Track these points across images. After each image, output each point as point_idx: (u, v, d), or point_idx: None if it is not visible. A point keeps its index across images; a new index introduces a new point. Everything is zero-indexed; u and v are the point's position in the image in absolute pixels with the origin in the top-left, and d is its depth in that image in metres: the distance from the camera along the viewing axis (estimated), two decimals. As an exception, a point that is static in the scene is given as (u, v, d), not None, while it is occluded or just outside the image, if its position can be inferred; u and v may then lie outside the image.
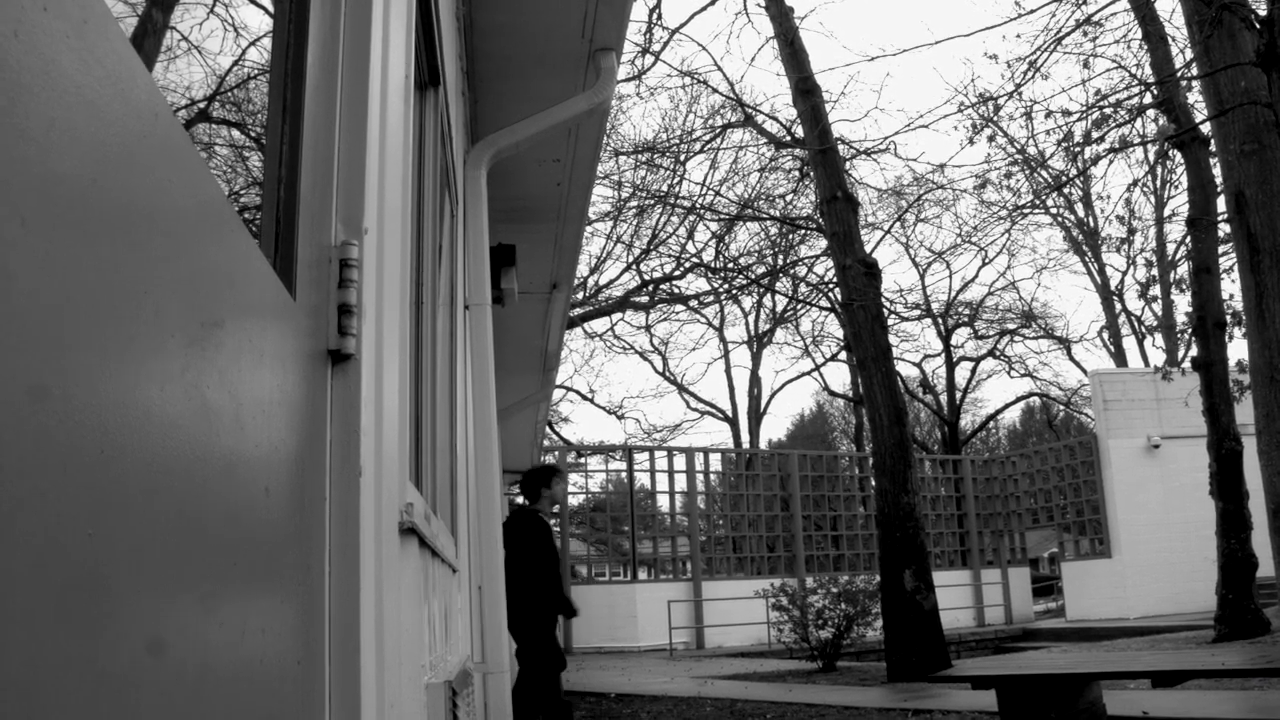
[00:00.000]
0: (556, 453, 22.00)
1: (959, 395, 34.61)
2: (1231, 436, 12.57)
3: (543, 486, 7.14)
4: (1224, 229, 12.21)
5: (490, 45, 4.58)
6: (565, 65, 4.74)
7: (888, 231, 29.62)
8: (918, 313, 32.57)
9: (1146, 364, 27.44)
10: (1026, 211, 27.59)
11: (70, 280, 0.60)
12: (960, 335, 33.95)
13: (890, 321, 23.72)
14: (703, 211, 24.69)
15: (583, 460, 24.93)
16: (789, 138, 21.19)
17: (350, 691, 1.31)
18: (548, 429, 25.24)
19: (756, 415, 33.97)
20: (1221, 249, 13.09)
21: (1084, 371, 32.90)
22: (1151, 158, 22.92)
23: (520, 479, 7.42)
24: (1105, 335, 33.20)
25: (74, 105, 0.61)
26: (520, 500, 7.44)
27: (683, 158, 23.49)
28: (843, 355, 32.17)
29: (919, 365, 34.67)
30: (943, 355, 33.90)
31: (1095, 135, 11.61)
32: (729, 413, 34.33)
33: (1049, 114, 11.74)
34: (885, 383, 11.46)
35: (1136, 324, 32.62)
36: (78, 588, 0.60)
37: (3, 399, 0.52)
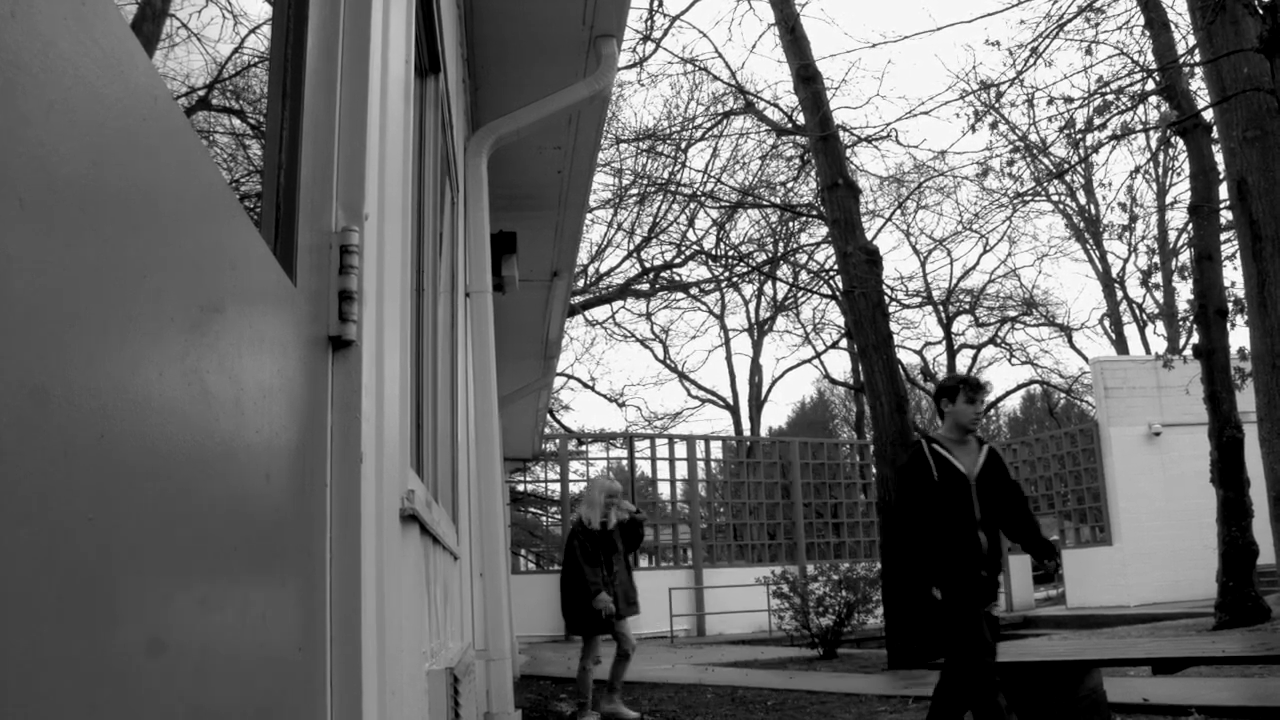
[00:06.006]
0: (558, 440, 22.01)
1: (960, 383, 34.52)
2: (1233, 424, 12.56)
3: (946, 400, 5.22)
4: (1226, 216, 12.19)
5: (491, 32, 4.57)
6: (566, 52, 4.72)
7: (889, 219, 29.59)
8: (919, 300, 32.53)
9: (1148, 351, 27.40)
10: (1028, 199, 27.55)
11: (69, 262, 0.60)
12: (961, 323, 33.93)
13: (891, 309, 23.72)
14: (704, 199, 24.65)
15: (584, 448, 24.94)
16: (790, 125, 21.16)
17: (352, 678, 1.31)
18: (549, 416, 25.26)
19: (757, 403, 33.96)
20: (1223, 236, 13.06)
21: (1085, 359, 32.89)
22: (1153, 145, 22.86)
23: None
24: (1106, 322, 33.21)
25: (72, 87, 0.61)
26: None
27: (684, 145, 23.46)
28: (844, 343, 32.14)
29: (920, 353, 34.68)
30: (944, 343, 33.87)
31: (1097, 122, 11.58)
32: (730, 400, 34.33)
33: (1051, 101, 11.68)
34: (886, 370, 11.45)
35: (1138, 311, 32.63)
36: (78, 574, 0.60)
37: (2, 384, 0.52)
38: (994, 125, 13.71)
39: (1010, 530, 5.06)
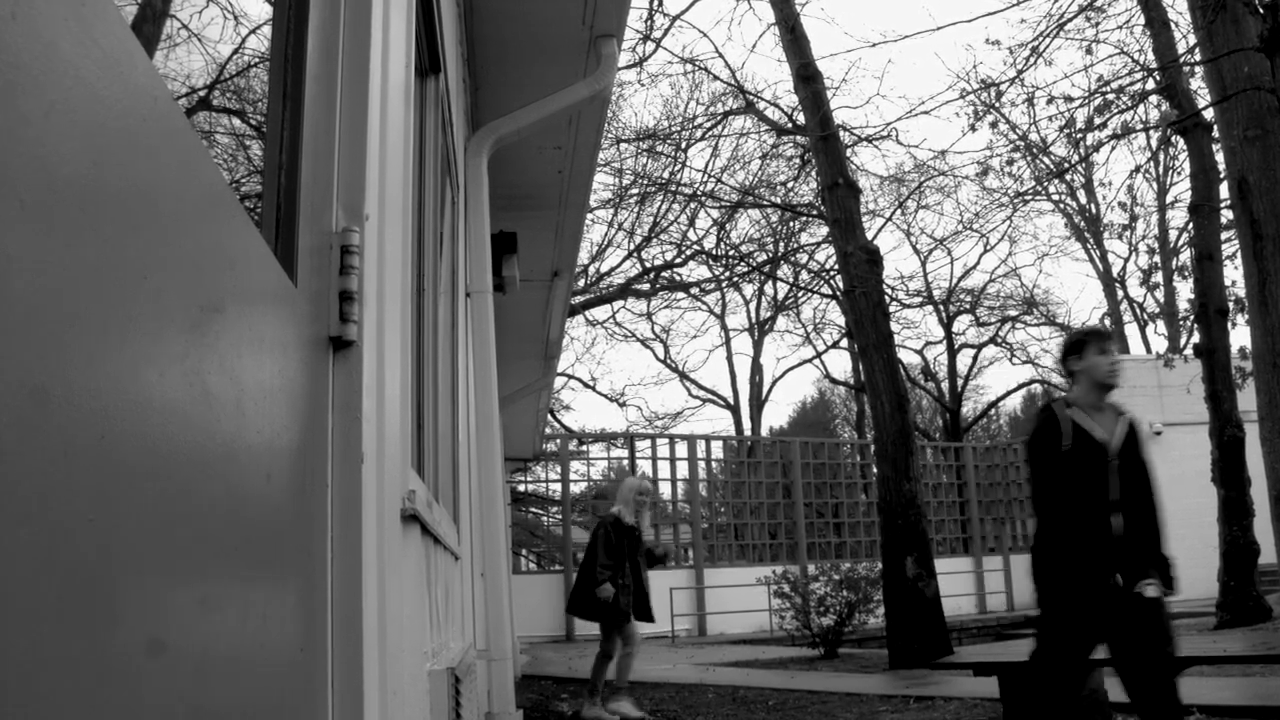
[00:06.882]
0: (559, 440, 22.01)
1: (960, 382, 34.59)
2: (1233, 423, 12.56)
3: (1074, 357, 4.62)
4: (1226, 215, 12.19)
5: (491, 32, 4.57)
6: (566, 52, 4.72)
7: (889, 219, 29.59)
8: (919, 300, 32.52)
9: (1148, 351, 27.44)
10: (1028, 198, 27.53)
11: (69, 262, 0.60)
12: (962, 322, 33.91)
13: (892, 308, 23.70)
14: (704, 199, 24.67)
15: (584, 448, 24.95)
16: (790, 125, 21.16)
17: (353, 678, 1.31)
18: (550, 416, 25.26)
19: (758, 403, 33.96)
20: (1224, 235, 13.06)
21: (1086, 358, 32.81)
22: (1154, 144, 22.88)
23: None
24: (1107, 322, 33.18)
25: (72, 88, 0.60)
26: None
27: (684, 145, 23.47)
28: (844, 342, 32.15)
29: (920, 352, 34.65)
30: (944, 342, 33.86)
31: (1097, 121, 11.58)
32: (730, 400, 34.32)
33: (1051, 100, 11.68)
34: (887, 370, 11.45)
35: (1138, 311, 32.66)
36: (78, 574, 0.60)
37: (2, 384, 0.52)
38: (994, 124, 13.72)
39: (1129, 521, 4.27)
